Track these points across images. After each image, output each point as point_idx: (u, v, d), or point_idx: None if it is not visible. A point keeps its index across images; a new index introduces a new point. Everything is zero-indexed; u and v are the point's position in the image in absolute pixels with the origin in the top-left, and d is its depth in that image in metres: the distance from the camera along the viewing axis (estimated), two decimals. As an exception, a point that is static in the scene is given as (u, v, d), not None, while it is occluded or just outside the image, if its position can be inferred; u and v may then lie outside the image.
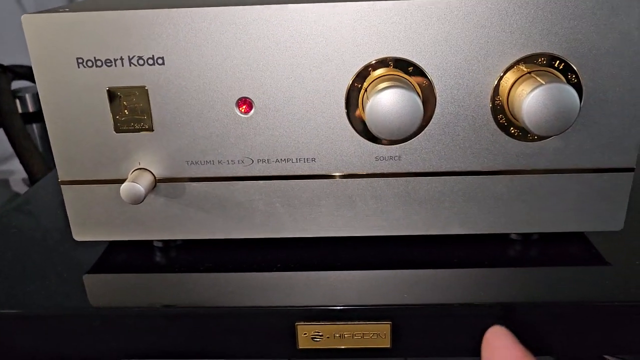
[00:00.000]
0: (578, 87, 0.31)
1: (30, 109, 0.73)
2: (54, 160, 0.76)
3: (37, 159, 0.67)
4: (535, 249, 0.36)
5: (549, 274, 0.33)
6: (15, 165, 1.11)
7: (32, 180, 0.68)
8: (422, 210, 0.34)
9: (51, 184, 0.49)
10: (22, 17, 0.30)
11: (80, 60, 0.31)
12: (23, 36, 0.30)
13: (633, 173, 0.33)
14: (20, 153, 0.67)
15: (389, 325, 0.31)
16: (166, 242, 0.37)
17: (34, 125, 0.74)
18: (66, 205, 0.34)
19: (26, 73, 0.77)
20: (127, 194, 0.32)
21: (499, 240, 0.36)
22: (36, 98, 0.74)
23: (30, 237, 0.39)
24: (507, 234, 0.36)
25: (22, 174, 1.12)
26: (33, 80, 0.76)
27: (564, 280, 0.33)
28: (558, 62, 0.30)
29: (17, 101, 0.73)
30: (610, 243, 0.36)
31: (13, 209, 0.44)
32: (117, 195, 0.33)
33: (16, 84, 0.77)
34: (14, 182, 1.12)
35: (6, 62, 0.77)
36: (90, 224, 0.35)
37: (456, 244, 0.36)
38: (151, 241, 0.37)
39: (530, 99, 0.28)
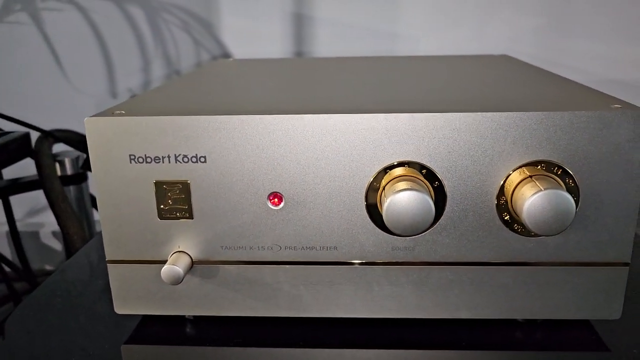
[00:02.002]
0: (575, 190, 0.34)
1: (69, 172, 0.78)
2: (87, 220, 0.80)
3: (74, 220, 0.71)
4: (541, 332, 0.38)
5: (553, 358, 0.36)
6: (45, 218, 1.16)
7: (65, 238, 0.72)
8: (433, 295, 0.37)
9: (93, 251, 0.53)
10: (85, 120, 0.35)
11: (132, 157, 0.35)
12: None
13: (628, 267, 0.36)
14: (58, 214, 0.71)
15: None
16: (197, 316, 0.40)
17: (71, 187, 0.79)
18: (110, 281, 0.38)
19: (65, 137, 0.81)
20: (167, 275, 0.35)
21: (504, 324, 0.39)
22: (74, 162, 0.78)
23: (74, 305, 0.43)
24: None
25: (51, 226, 1.17)
26: (72, 145, 0.82)
27: (566, 365, 0.35)
28: (556, 168, 0.34)
29: (57, 164, 0.77)
30: (610, 330, 0.38)
31: (58, 276, 0.48)
32: (157, 274, 0.37)
33: (56, 148, 0.81)
34: (43, 235, 1.17)
35: (47, 127, 0.82)
36: (131, 299, 0.38)
37: (463, 327, 0.38)
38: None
39: (530, 203, 0.32)
